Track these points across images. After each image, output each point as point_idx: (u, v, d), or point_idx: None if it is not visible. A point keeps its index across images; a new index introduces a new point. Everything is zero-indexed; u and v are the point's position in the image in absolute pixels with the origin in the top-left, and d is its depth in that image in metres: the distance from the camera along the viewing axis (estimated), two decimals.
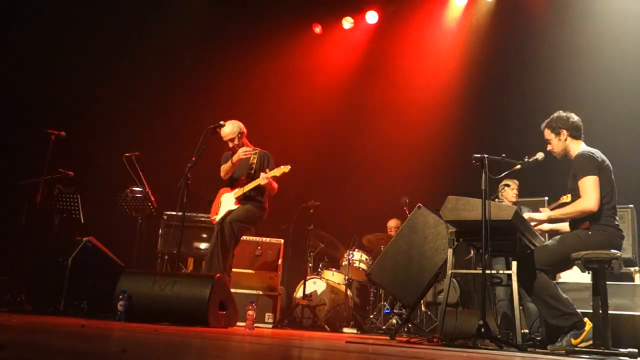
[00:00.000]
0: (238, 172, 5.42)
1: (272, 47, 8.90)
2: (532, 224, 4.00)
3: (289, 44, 8.99)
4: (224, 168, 5.39)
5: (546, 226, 4.24)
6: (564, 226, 4.07)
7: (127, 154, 6.22)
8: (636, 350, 3.51)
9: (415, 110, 8.07)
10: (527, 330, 4.49)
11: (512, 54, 7.53)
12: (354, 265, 6.90)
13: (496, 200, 5.47)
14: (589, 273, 3.77)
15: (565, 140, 3.94)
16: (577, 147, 3.91)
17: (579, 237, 3.73)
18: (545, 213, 4.00)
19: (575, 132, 3.93)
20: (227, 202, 5.39)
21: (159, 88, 8.40)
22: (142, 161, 6.35)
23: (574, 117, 3.95)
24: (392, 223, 7.34)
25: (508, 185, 5.57)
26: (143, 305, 4.11)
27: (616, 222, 3.78)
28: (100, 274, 4.80)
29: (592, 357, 3.33)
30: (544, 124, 4.04)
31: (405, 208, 6.86)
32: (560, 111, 3.99)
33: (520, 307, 4.65)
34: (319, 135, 8.33)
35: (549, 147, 4.02)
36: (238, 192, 5.33)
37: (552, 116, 4.01)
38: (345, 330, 6.32)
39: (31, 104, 7.52)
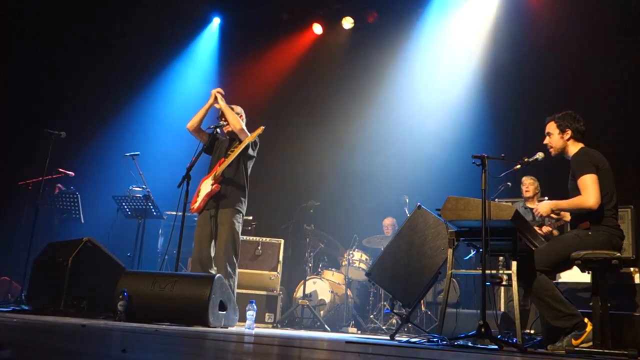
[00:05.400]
0: (215, 156, 5.07)
1: (270, 46, 8.90)
2: (552, 215, 3.97)
3: (290, 43, 8.99)
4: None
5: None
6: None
7: (127, 154, 6.22)
8: (636, 350, 3.51)
9: (415, 110, 8.07)
10: (531, 331, 4.49)
11: (511, 53, 7.52)
12: (354, 265, 6.90)
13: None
14: (589, 273, 3.77)
15: (568, 139, 3.94)
16: (575, 149, 3.91)
17: (579, 237, 3.73)
18: (551, 202, 3.96)
19: (578, 135, 3.93)
20: (205, 187, 5.00)
21: (159, 88, 8.40)
22: (141, 161, 6.35)
23: (581, 122, 3.95)
24: (388, 221, 7.35)
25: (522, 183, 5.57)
26: (143, 305, 4.10)
27: (616, 223, 3.77)
28: (100, 274, 4.79)
29: (592, 357, 3.32)
30: (550, 117, 4.02)
31: (405, 208, 6.86)
32: (571, 111, 3.98)
33: (527, 308, 4.66)
34: (319, 135, 8.33)
35: (546, 140, 4.01)
36: (215, 174, 4.91)
37: (562, 112, 4.00)
38: (345, 330, 6.32)
39: (31, 104, 7.53)
